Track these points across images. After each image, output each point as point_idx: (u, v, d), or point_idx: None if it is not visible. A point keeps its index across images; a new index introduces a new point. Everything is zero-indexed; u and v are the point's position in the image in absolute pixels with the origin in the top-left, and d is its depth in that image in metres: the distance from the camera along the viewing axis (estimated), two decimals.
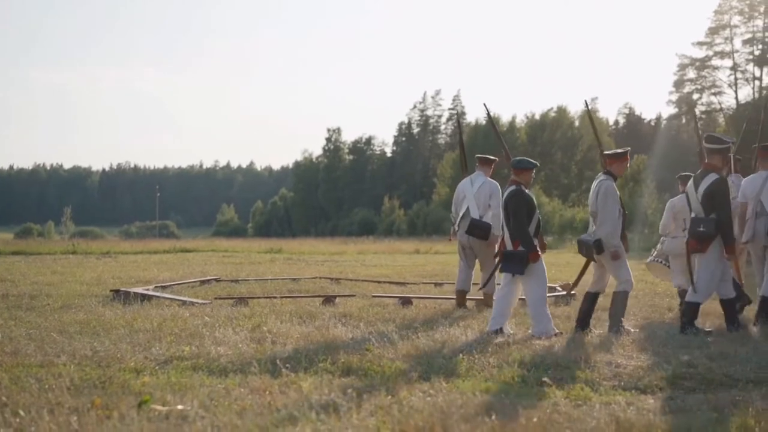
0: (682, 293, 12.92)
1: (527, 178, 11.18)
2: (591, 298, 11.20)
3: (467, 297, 13.82)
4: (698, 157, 12.14)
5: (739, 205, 12.00)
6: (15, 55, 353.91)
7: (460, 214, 13.79)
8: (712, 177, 10.72)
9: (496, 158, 14.46)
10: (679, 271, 13.12)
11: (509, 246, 10.91)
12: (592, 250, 10.92)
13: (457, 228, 13.96)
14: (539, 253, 10.94)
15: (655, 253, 14.57)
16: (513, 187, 11.02)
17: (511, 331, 10.63)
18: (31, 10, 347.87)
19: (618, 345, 9.33)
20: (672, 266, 13.64)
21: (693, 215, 10.91)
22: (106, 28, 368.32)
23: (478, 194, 13.67)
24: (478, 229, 13.42)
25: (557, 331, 10.53)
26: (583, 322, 11.00)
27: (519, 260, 10.75)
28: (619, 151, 11.41)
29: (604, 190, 10.89)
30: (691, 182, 11.10)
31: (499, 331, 10.45)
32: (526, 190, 11.09)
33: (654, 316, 12.70)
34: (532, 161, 11.37)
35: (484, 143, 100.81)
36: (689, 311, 10.68)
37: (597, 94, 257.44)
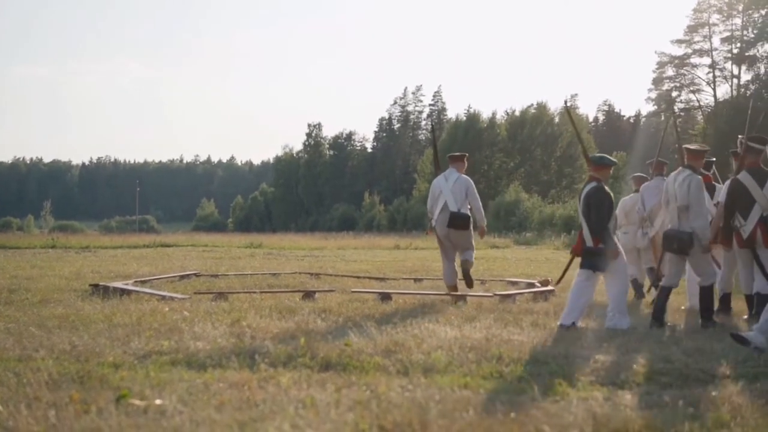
0: (633, 282, 14.30)
1: (606, 175, 11.44)
2: (666, 293, 11.41)
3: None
4: (678, 155, 12.24)
5: (720, 206, 12.16)
6: None
7: (438, 209, 14.39)
8: None
9: (466, 154, 15.69)
10: (631, 262, 13.86)
11: (589, 242, 11.12)
12: (686, 243, 11.12)
13: (434, 223, 14.55)
14: (619, 249, 11.21)
15: None
16: (594, 184, 11.23)
17: (583, 325, 10.78)
18: (13, 6, 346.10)
19: (596, 341, 9.38)
20: (628, 258, 13.55)
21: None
22: (88, 22, 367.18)
23: (454, 189, 14.37)
24: (459, 220, 14.22)
25: (631, 325, 10.78)
26: (659, 317, 11.18)
27: (601, 257, 11.01)
28: (701, 148, 11.72)
29: (696, 184, 11.19)
30: (752, 179, 11.22)
31: (572, 325, 10.62)
32: (605, 187, 11.29)
33: (631, 311, 12.73)
34: (613, 159, 11.63)
35: (464, 139, 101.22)
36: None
37: (577, 91, 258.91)
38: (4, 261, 25.11)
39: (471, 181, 14.63)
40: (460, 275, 14.90)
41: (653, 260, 14.14)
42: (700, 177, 11.27)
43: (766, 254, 11.14)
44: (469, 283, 14.91)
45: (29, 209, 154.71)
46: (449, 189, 14.36)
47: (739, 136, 12.03)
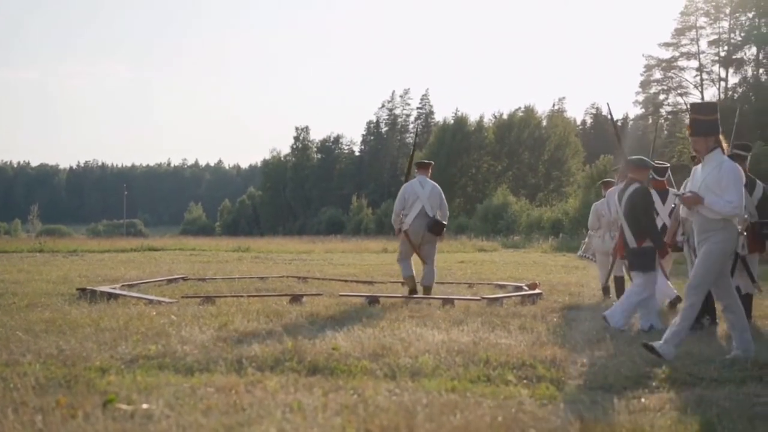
0: (605, 288, 15.39)
1: (645, 177, 11.64)
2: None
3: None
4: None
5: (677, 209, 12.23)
6: None
7: (414, 214, 14.98)
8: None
9: (433, 162, 16.47)
10: (604, 265, 15.15)
11: (633, 244, 11.26)
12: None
13: (406, 227, 15.08)
14: (668, 249, 11.52)
15: (584, 248, 17.21)
16: (636, 185, 11.30)
17: (662, 326, 10.75)
18: (1, 9, 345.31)
19: (584, 344, 9.39)
20: (597, 260, 15.89)
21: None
22: (76, 26, 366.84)
23: (430, 196, 15.10)
24: (438, 226, 14.97)
25: (662, 326, 10.83)
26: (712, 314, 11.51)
27: (648, 257, 11.18)
28: (640, 162, 11.75)
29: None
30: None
31: (651, 327, 10.85)
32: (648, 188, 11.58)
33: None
34: (651, 161, 11.97)
35: (452, 142, 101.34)
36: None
37: (564, 94, 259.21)
38: None
39: (440, 188, 15.47)
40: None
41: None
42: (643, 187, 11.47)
43: (752, 259, 11.37)
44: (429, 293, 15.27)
45: (16, 213, 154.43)
46: (426, 196, 15.05)
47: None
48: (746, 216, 8.80)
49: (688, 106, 10.06)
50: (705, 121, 8.75)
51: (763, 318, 12.21)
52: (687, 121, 9.00)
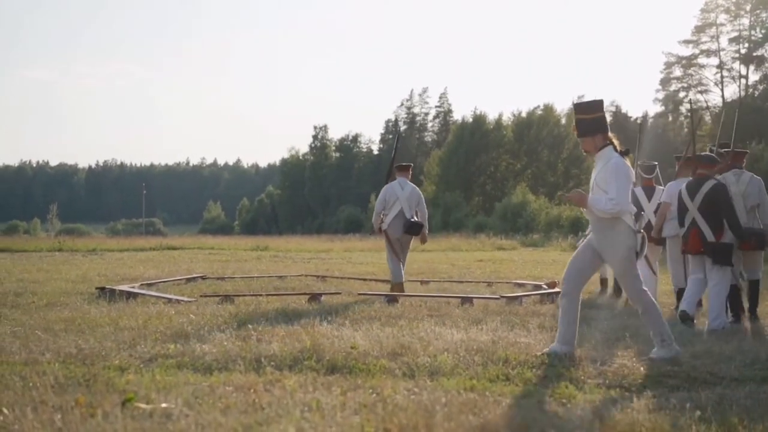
0: (603, 280, 16.59)
1: (713, 171, 11.76)
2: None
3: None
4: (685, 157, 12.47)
5: (664, 205, 13.12)
6: (0, 53, 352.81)
7: (393, 215, 15.49)
8: None
9: (412, 164, 17.11)
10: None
11: (711, 238, 11.33)
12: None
13: (386, 226, 15.58)
14: (749, 243, 11.54)
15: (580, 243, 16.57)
16: (713, 181, 11.48)
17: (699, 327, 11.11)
18: (16, 9, 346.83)
19: (603, 343, 9.36)
20: None
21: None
22: (92, 26, 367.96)
23: (409, 198, 15.63)
24: (416, 227, 15.48)
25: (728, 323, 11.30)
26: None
27: (727, 251, 11.27)
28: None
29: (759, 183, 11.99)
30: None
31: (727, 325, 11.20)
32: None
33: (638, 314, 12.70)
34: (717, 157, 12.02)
35: (470, 140, 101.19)
36: None
37: (583, 92, 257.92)
38: (10, 264, 25.15)
39: (420, 191, 16.05)
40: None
41: None
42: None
43: (739, 256, 11.80)
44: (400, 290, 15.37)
45: (36, 212, 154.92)
46: (405, 198, 15.58)
47: (708, 145, 12.77)
48: (633, 213, 8.71)
49: (573, 106, 9.90)
50: (590, 120, 8.67)
51: None
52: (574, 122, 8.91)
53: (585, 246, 8.90)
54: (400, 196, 15.55)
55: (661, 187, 14.09)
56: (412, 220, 15.45)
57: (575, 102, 8.87)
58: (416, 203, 15.66)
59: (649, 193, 14.01)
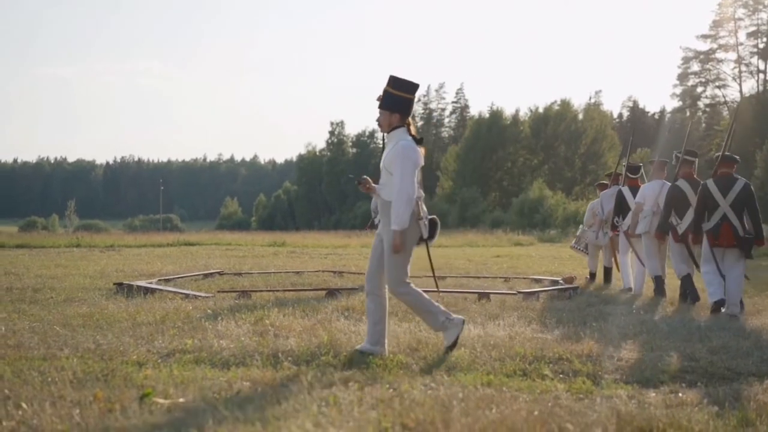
0: (592, 274, 18.11)
1: (733, 170, 12.67)
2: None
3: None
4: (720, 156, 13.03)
5: (637, 205, 14.77)
6: (19, 50, 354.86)
7: None
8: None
9: None
10: (594, 255, 18.09)
11: (742, 232, 12.22)
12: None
13: (377, 222, 15.41)
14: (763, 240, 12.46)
15: (576, 240, 19.16)
16: (743, 179, 12.50)
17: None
18: (35, 6, 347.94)
19: (620, 339, 9.35)
20: (590, 252, 18.19)
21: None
22: (110, 22, 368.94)
23: None
24: None
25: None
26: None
27: (750, 244, 12.24)
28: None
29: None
30: (689, 186, 13.44)
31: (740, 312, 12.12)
32: None
33: (656, 309, 12.69)
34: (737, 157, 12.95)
35: (487, 136, 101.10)
36: None
37: (601, 87, 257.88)
38: (28, 260, 25.23)
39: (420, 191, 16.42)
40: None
41: (613, 258, 17.23)
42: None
43: (698, 250, 12.94)
44: None
45: (54, 209, 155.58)
46: None
47: (674, 151, 14.29)
48: (420, 198, 8.66)
49: (389, 77, 9.60)
50: (396, 97, 8.48)
51: None
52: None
53: (376, 240, 8.76)
54: None
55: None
56: None
57: (392, 75, 8.63)
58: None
59: (635, 192, 15.38)
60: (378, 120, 8.63)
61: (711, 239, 12.24)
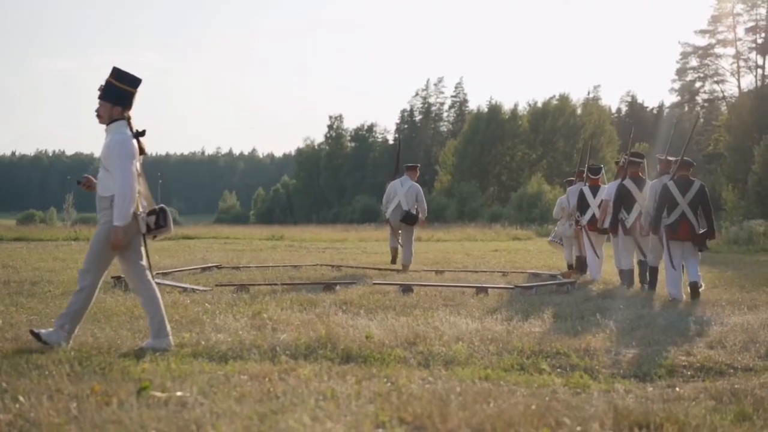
0: (569, 265, 19.04)
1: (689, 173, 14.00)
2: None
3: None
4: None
5: (605, 202, 16.10)
6: (18, 42, 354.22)
7: (393, 207, 19.07)
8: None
9: (419, 164, 20.93)
10: (568, 247, 19.31)
11: (698, 229, 13.58)
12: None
13: (388, 215, 19.28)
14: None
15: (553, 234, 20.66)
16: (700, 182, 13.83)
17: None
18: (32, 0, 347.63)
19: (617, 333, 9.35)
20: (564, 244, 19.45)
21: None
22: (108, 14, 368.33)
23: (407, 194, 19.07)
24: (411, 218, 18.89)
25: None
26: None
27: (704, 239, 13.62)
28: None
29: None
30: (634, 185, 14.88)
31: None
32: None
33: (653, 304, 12.71)
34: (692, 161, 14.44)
35: (486, 130, 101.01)
36: None
37: (599, 82, 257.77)
38: (26, 253, 25.20)
39: (420, 188, 19.48)
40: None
41: (581, 249, 18.30)
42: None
43: (645, 240, 14.59)
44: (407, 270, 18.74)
45: (52, 202, 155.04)
46: (403, 193, 19.04)
47: (623, 155, 15.73)
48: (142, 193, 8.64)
49: (112, 68, 9.39)
50: (119, 89, 8.46)
51: None
52: (105, 84, 8.59)
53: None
54: (399, 192, 19.08)
55: (605, 186, 16.81)
56: (408, 211, 18.80)
57: (115, 67, 8.58)
58: (414, 198, 19.04)
59: (595, 191, 17.07)
60: (97, 111, 8.60)
61: (669, 233, 13.57)
